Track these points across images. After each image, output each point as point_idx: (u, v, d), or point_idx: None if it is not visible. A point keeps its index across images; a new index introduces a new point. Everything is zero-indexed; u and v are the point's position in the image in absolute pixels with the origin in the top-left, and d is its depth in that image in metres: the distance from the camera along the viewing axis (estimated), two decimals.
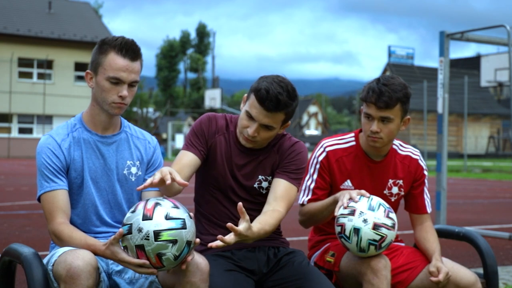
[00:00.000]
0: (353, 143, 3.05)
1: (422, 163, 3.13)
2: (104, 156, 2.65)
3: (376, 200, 2.72)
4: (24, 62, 36.80)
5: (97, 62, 2.57)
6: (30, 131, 37.26)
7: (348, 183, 3.01)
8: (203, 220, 2.84)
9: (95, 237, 2.51)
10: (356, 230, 2.64)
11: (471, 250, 6.31)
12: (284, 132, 2.85)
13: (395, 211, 2.94)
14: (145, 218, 2.24)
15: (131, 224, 2.25)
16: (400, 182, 3.07)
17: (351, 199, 2.70)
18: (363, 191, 2.74)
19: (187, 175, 2.64)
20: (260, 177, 2.80)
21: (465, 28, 9.92)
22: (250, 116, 2.66)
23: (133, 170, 2.70)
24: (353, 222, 2.65)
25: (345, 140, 3.07)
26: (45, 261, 2.44)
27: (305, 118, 67.28)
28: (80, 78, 37.67)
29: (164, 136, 55.41)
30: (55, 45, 37.17)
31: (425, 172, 3.15)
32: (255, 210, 2.73)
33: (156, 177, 2.30)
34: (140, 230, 2.23)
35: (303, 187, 3.01)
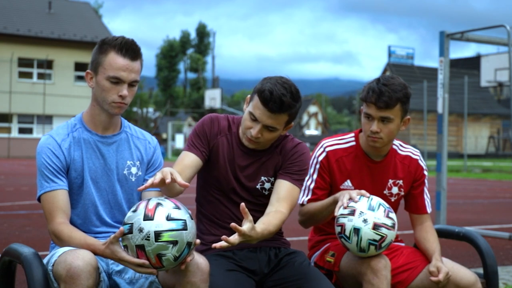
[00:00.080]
0: (353, 143, 3.06)
1: (422, 163, 3.13)
2: (104, 156, 2.65)
3: (376, 200, 2.72)
4: (24, 62, 36.80)
5: (97, 62, 2.57)
6: (30, 131, 37.27)
7: (348, 183, 3.01)
8: (204, 221, 2.84)
9: (95, 237, 2.51)
10: (356, 230, 2.64)
11: (471, 250, 6.31)
12: (287, 133, 2.85)
13: (395, 211, 2.95)
14: (146, 218, 2.24)
15: (132, 223, 2.25)
16: (400, 182, 3.07)
17: (351, 199, 2.70)
18: (363, 191, 2.74)
19: (188, 176, 2.64)
20: (262, 178, 2.80)
21: (465, 28, 9.93)
22: (253, 117, 2.66)
23: (133, 170, 2.70)
24: (353, 222, 2.65)
25: (345, 140, 3.07)
26: (45, 261, 2.44)
27: (305, 118, 67.29)
28: (80, 78, 37.68)
29: (164, 136, 55.40)
30: (55, 45, 37.17)
31: (425, 172, 3.15)
32: (257, 211, 2.73)
33: (157, 177, 2.30)
34: (141, 230, 2.23)
35: (303, 187, 3.01)
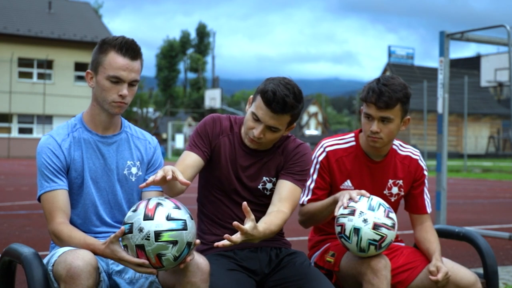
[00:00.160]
0: (353, 143, 3.06)
1: (422, 163, 3.13)
2: (105, 156, 2.66)
3: (376, 200, 2.72)
4: (24, 62, 36.80)
5: (97, 62, 2.57)
6: (30, 131, 37.27)
7: (348, 183, 3.01)
8: (206, 220, 2.84)
9: (95, 237, 2.51)
10: (356, 230, 2.64)
11: (471, 250, 6.31)
12: (289, 134, 2.86)
13: (395, 211, 2.95)
14: (146, 218, 2.24)
15: (132, 223, 2.25)
16: (400, 182, 3.07)
17: (351, 199, 2.70)
18: (363, 191, 2.74)
19: (190, 175, 2.64)
20: (264, 178, 2.80)
21: (465, 28, 9.92)
22: (256, 118, 2.66)
23: (133, 170, 2.70)
24: (353, 222, 2.65)
25: (345, 140, 3.07)
26: (45, 261, 2.44)
27: (305, 118, 67.29)
28: (80, 78, 37.68)
29: (164, 136, 55.40)
30: (55, 45, 37.17)
31: (425, 172, 3.15)
32: (258, 211, 2.73)
33: (158, 175, 2.30)
34: (141, 229, 2.23)
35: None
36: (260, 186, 2.80)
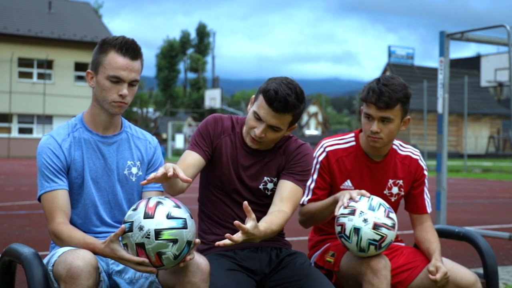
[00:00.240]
0: (353, 143, 3.06)
1: (422, 163, 3.13)
2: (105, 156, 2.66)
3: (376, 200, 2.72)
4: (24, 62, 36.80)
5: (97, 62, 2.57)
6: (30, 131, 37.27)
7: (348, 183, 3.01)
8: (206, 220, 2.85)
9: (95, 237, 2.50)
10: (356, 230, 2.64)
11: (471, 250, 6.31)
12: (290, 134, 2.86)
13: (395, 211, 2.95)
14: (147, 216, 2.24)
15: (132, 222, 2.25)
16: (400, 182, 3.07)
17: (351, 199, 2.70)
18: (363, 191, 2.74)
19: (191, 175, 2.64)
20: (265, 178, 2.80)
21: (465, 28, 9.92)
22: (257, 117, 2.67)
23: (134, 170, 2.71)
24: (353, 222, 2.65)
25: (345, 140, 3.07)
26: (45, 261, 2.44)
27: (305, 118, 67.30)
28: (80, 78, 37.69)
29: (164, 136, 55.40)
30: (55, 45, 37.17)
31: (425, 172, 3.15)
32: (259, 211, 2.73)
33: (159, 171, 2.30)
34: (141, 228, 2.23)
35: None
36: (261, 186, 2.80)
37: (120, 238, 2.32)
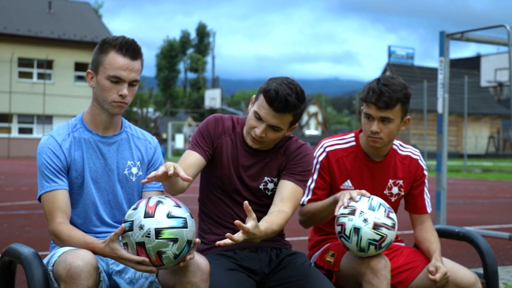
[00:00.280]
0: (353, 143, 3.06)
1: (422, 163, 3.13)
2: (105, 156, 2.66)
3: (376, 200, 2.72)
4: (24, 62, 36.80)
5: (97, 62, 2.57)
6: (30, 131, 37.27)
7: (348, 183, 3.01)
8: (206, 220, 2.85)
9: (95, 237, 2.51)
10: (356, 230, 2.64)
11: (471, 250, 6.31)
12: (291, 135, 2.86)
13: (395, 211, 2.95)
14: (147, 215, 2.24)
15: (133, 221, 2.26)
16: (400, 182, 3.07)
17: (351, 198, 2.70)
18: (363, 191, 2.74)
19: (191, 174, 2.64)
20: (266, 178, 2.81)
21: (465, 28, 9.92)
22: (258, 117, 2.67)
23: (134, 170, 2.71)
24: (353, 222, 2.65)
25: (345, 140, 3.07)
26: (45, 261, 2.44)
27: (305, 118, 67.29)
28: (80, 78, 37.69)
29: (164, 136, 55.40)
30: (55, 45, 37.17)
31: (425, 172, 3.15)
32: (259, 211, 2.73)
33: (160, 170, 2.30)
34: (141, 227, 2.23)
35: None
36: (261, 186, 2.80)
37: (120, 238, 2.32)
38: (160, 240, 2.22)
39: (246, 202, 2.39)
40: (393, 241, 2.81)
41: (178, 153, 42.80)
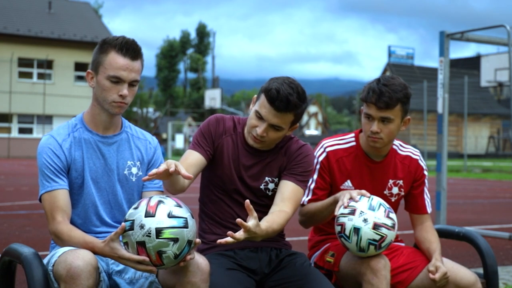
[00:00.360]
0: (353, 143, 3.06)
1: (422, 163, 3.13)
2: (105, 156, 2.66)
3: (376, 200, 2.72)
4: (24, 62, 36.80)
5: (98, 62, 2.57)
6: (30, 131, 37.27)
7: (348, 183, 3.01)
8: (207, 220, 2.85)
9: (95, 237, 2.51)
10: (356, 230, 2.64)
11: (471, 250, 6.31)
12: (292, 135, 2.86)
13: (395, 211, 2.95)
14: (148, 215, 2.24)
15: (133, 220, 2.26)
16: (400, 182, 3.07)
17: (351, 198, 2.71)
18: (363, 191, 2.74)
19: (192, 174, 2.64)
20: (266, 178, 2.81)
21: (465, 28, 9.92)
22: (259, 116, 2.67)
23: (134, 170, 2.71)
24: (353, 222, 2.65)
25: (345, 141, 3.07)
26: (45, 261, 2.44)
27: (305, 118, 67.27)
28: (80, 78, 37.69)
29: (164, 136, 55.39)
30: (55, 45, 37.17)
31: (425, 172, 3.15)
32: (260, 211, 2.73)
33: (161, 167, 2.30)
34: (142, 226, 2.23)
35: None
36: (262, 186, 2.80)
37: (120, 237, 2.33)
38: (160, 240, 2.22)
39: (247, 201, 2.40)
40: (393, 241, 2.81)
41: (178, 153, 42.79)
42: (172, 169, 2.29)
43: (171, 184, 2.53)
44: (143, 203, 2.29)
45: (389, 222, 2.67)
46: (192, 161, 2.69)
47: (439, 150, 7.33)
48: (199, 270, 2.36)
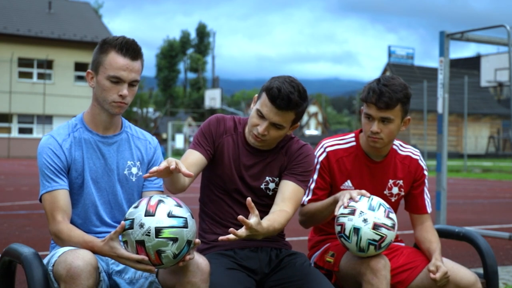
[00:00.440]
0: (353, 143, 3.06)
1: (422, 163, 3.13)
2: (105, 156, 2.66)
3: (376, 200, 2.72)
4: (24, 62, 36.80)
5: (98, 62, 2.58)
6: (30, 131, 37.27)
7: (348, 183, 3.01)
8: (207, 220, 2.85)
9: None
10: (356, 230, 2.64)
11: (471, 250, 6.31)
12: (292, 135, 2.87)
13: (395, 211, 2.95)
14: (148, 214, 2.24)
15: (133, 219, 2.26)
16: (400, 182, 3.07)
17: (351, 198, 2.71)
18: (363, 191, 2.74)
19: (192, 173, 2.65)
20: (267, 178, 2.81)
21: (465, 28, 9.92)
22: (260, 115, 2.68)
23: (134, 170, 2.71)
24: (353, 222, 2.65)
25: (346, 141, 3.07)
26: (45, 261, 2.44)
27: (305, 118, 67.27)
28: (80, 78, 37.69)
29: (164, 136, 55.39)
30: (55, 45, 37.17)
31: (425, 172, 3.15)
32: (260, 211, 2.72)
33: (162, 165, 2.30)
34: (141, 225, 2.23)
35: None
36: (262, 186, 2.81)
37: (120, 236, 2.33)
38: (160, 239, 2.22)
39: (249, 199, 2.40)
40: (393, 241, 2.81)
41: (178, 153, 42.80)
42: (172, 166, 2.30)
43: (171, 182, 2.53)
44: (143, 202, 2.29)
45: (389, 222, 2.67)
46: (192, 161, 2.69)
47: (439, 150, 7.33)
48: (199, 270, 2.36)
